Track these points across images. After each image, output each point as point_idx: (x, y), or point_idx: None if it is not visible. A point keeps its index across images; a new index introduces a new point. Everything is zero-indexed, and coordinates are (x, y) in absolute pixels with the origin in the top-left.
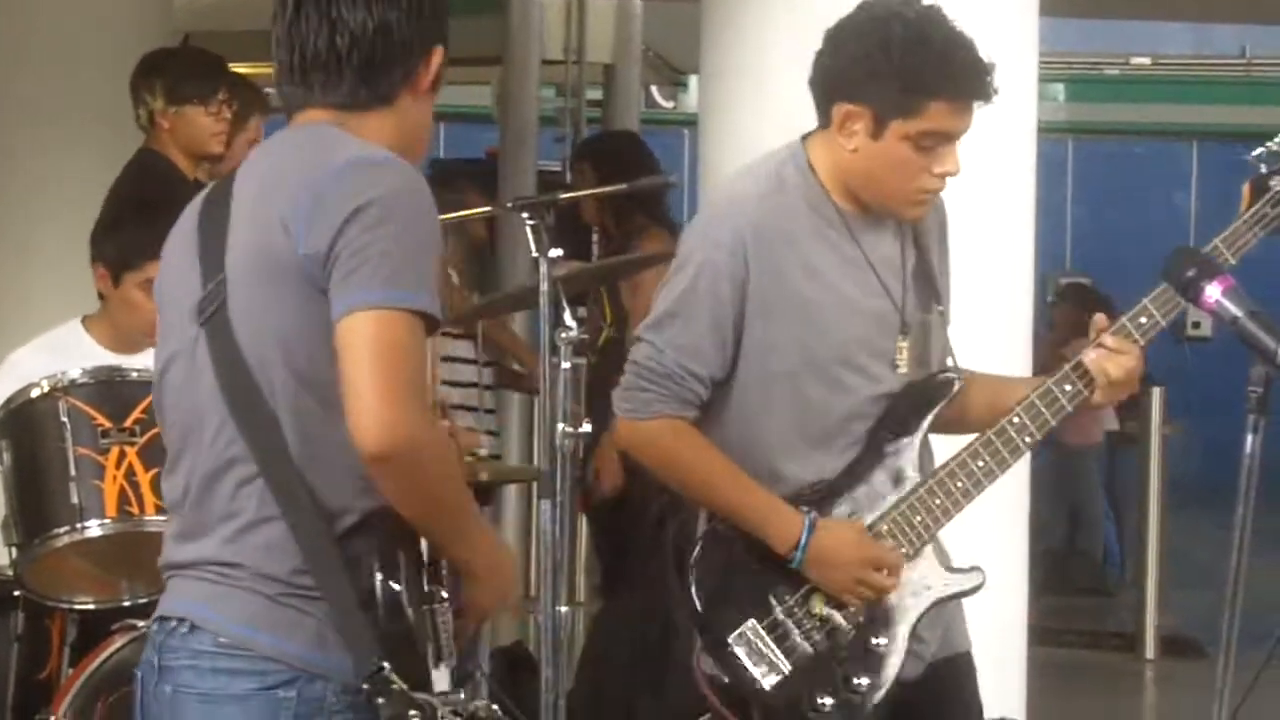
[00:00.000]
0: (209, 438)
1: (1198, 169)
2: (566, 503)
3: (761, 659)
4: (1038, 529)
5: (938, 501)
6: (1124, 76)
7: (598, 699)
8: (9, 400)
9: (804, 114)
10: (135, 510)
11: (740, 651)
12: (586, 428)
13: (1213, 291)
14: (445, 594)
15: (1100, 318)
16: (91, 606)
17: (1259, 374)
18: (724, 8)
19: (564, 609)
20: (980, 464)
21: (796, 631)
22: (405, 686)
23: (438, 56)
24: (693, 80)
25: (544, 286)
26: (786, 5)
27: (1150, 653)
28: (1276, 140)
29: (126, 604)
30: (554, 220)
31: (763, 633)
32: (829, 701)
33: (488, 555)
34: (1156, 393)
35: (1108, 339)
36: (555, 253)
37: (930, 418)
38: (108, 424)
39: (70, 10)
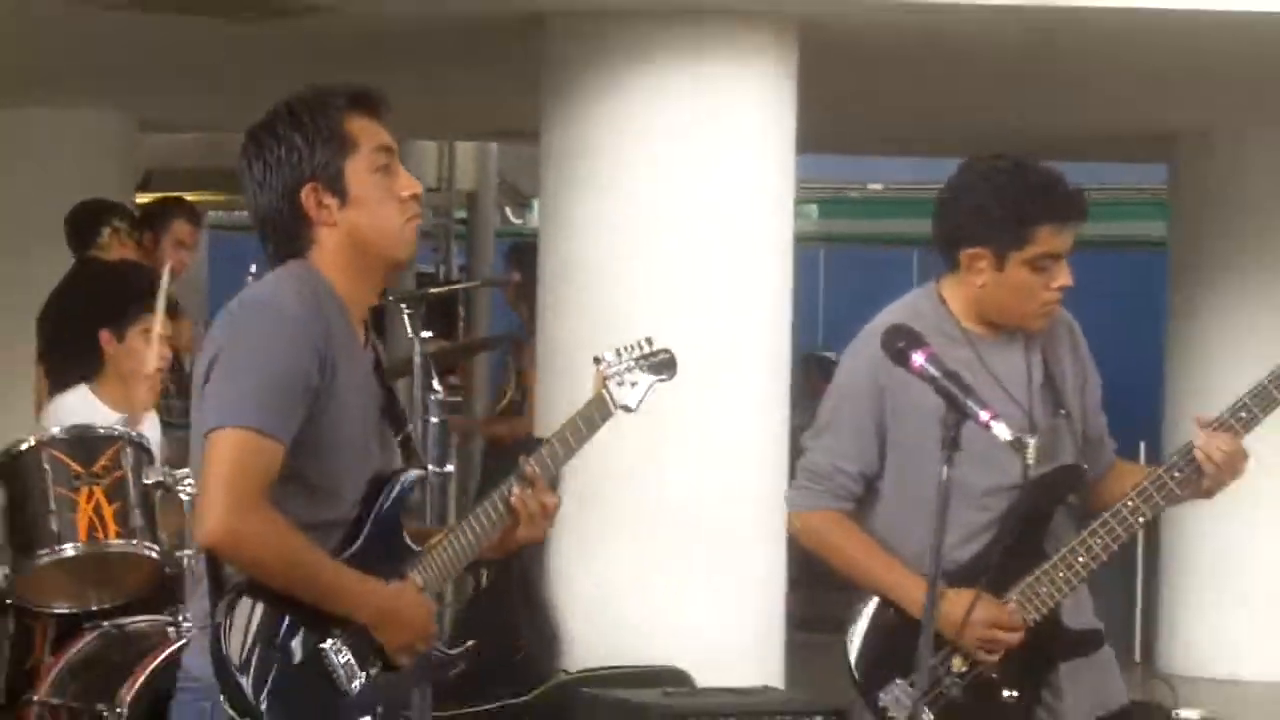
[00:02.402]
0: None
1: (917, 269)
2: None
3: (905, 711)
4: (794, 542)
5: (1061, 575)
6: (863, 198)
7: None
8: (5, 451)
9: (615, 224)
10: (101, 536)
11: (889, 706)
12: (449, 468)
13: (918, 358)
14: (334, 637)
15: (1202, 415)
16: (67, 611)
17: (950, 419)
18: (559, 148)
19: None
20: (1098, 541)
21: (939, 685)
22: (231, 710)
23: (308, 195)
24: (535, 203)
25: (417, 360)
26: (613, 150)
27: None
28: None
29: (95, 609)
30: (424, 310)
31: (908, 688)
32: None
33: (369, 607)
34: None
35: (1218, 436)
36: (426, 334)
37: (1058, 503)
38: (79, 469)
39: (48, 138)
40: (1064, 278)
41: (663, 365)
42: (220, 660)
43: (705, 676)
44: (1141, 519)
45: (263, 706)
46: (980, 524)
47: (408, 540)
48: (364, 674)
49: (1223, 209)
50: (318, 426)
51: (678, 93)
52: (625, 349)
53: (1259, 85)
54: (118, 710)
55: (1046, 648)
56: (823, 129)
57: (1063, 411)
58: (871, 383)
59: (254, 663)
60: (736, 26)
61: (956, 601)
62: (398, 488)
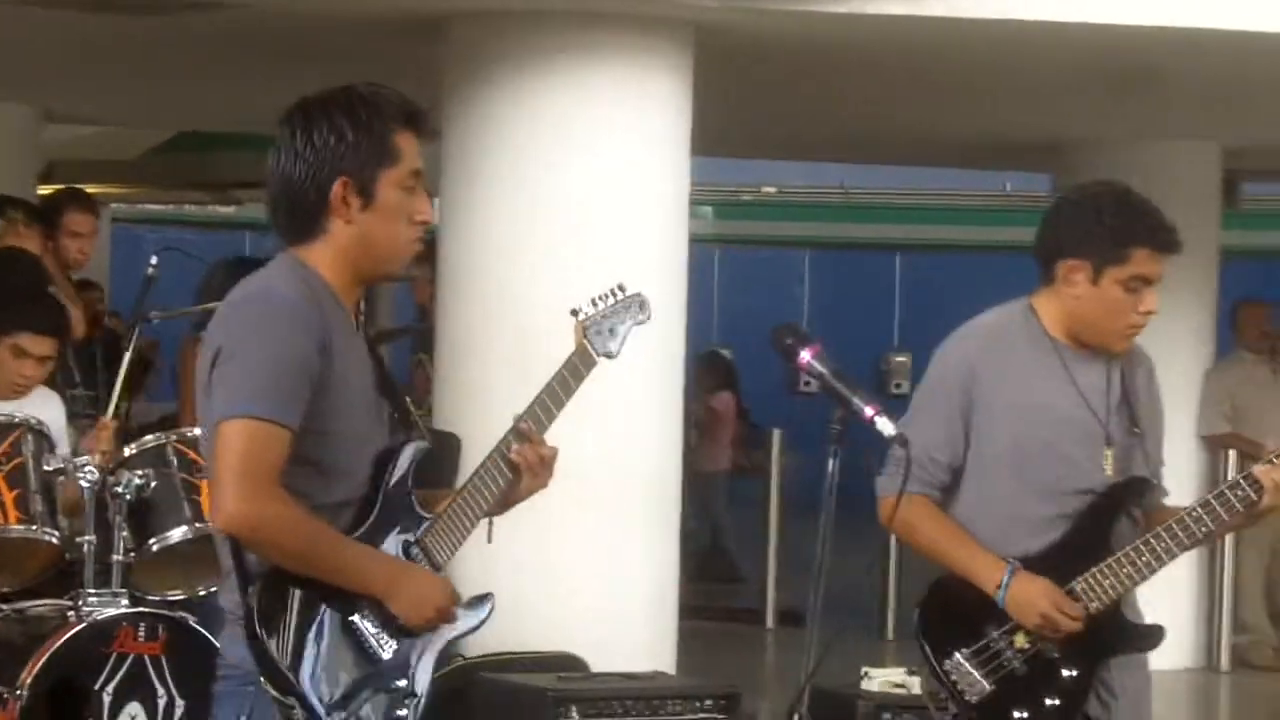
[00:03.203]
0: None
1: (808, 271)
2: None
3: (968, 679)
4: (686, 535)
5: (1125, 570)
6: (756, 201)
7: None
8: None
9: (512, 221)
10: (1, 521)
11: (953, 672)
12: None
13: (806, 354)
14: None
15: (1271, 441)
16: None
17: (838, 416)
18: (459, 147)
19: None
20: (1162, 545)
21: (1001, 659)
22: (272, 690)
23: (339, 188)
24: (435, 200)
25: None
26: (511, 149)
27: (770, 623)
28: None
29: None
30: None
31: (973, 657)
32: (1025, 715)
33: (381, 580)
34: (776, 433)
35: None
36: None
37: (1127, 509)
38: None
39: None
40: (1152, 303)
41: (638, 308)
42: (257, 645)
43: (600, 662)
44: (1204, 529)
45: (305, 685)
46: (1051, 518)
47: (419, 509)
48: (395, 641)
49: None
50: (322, 410)
51: (575, 94)
52: (600, 298)
53: (1140, 96)
54: (18, 693)
55: (1107, 636)
56: (719, 133)
57: (1137, 430)
58: (963, 380)
59: (290, 643)
60: (632, 31)
61: (1025, 583)
62: (405, 461)
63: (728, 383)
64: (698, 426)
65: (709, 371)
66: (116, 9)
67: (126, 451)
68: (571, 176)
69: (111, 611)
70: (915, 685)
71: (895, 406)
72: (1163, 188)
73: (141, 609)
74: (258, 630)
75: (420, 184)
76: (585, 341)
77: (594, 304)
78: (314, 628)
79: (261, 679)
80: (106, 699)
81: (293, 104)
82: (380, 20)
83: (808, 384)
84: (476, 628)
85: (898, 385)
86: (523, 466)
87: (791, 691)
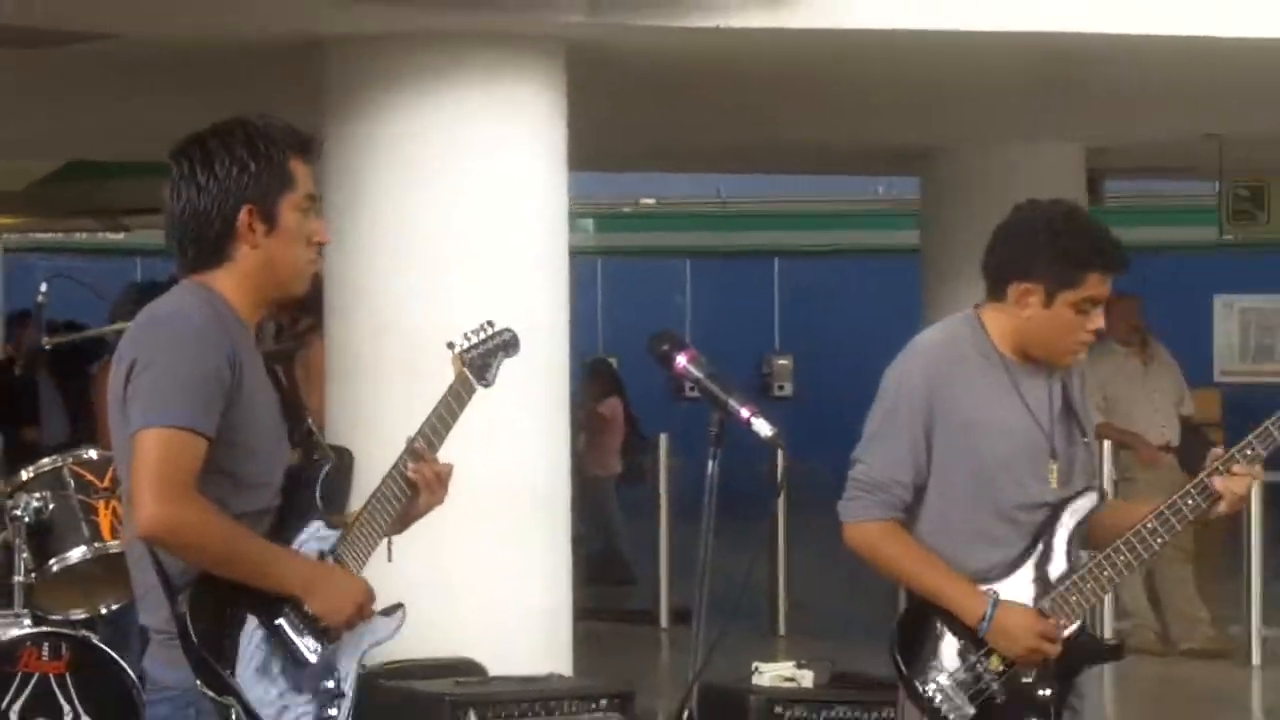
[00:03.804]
0: None
1: (690, 279)
2: None
3: (950, 704)
4: (579, 539)
5: (1089, 586)
6: (636, 212)
7: None
8: None
9: (395, 238)
10: None
11: (936, 697)
12: None
13: (681, 359)
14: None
15: (1216, 451)
16: None
17: (716, 418)
18: (339, 166)
19: None
20: (1121, 559)
21: (980, 682)
22: (208, 691)
23: (245, 215)
24: None
25: None
26: (391, 167)
27: (664, 622)
28: None
29: None
30: None
31: (954, 683)
32: None
33: (300, 578)
34: (663, 438)
35: (1238, 467)
36: None
37: (1076, 524)
38: None
39: None
40: (1100, 322)
41: (507, 344)
42: (192, 649)
43: (498, 666)
44: (1160, 541)
45: (240, 684)
46: (1008, 533)
47: (328, 524)
48: (319, 645)
49: (969, 218)
50: (234, 423)
51: (452, 113)
52: (473, 333)
53: (1000, 104)
54: None
55: (1076, 653)
56: (596, 148)
57: (1085, 439)
58: (923, 399)
59: (223, 646)
60: (505, 50)
61: (1010, 614)
62: (317, 478)
63: (615, 390)
64: (585, 431)
65: (596, 379)
66: (5, 44)
67: (24, 475)
68: (451, 195)
69: (15, 632)
70: (806, 679)
71: (778, 408)
72: (1030, 188)
73: (44, 628)
74: (192, 637)
75: (315, 206)
76: (465, 371)
77: (467, 337)
78: (243, 633)
79: (198, 683)
80: (14, 718)
81: (186, 139)
82: (259, 46)
83: (692, 390)
84: (391, 635)
85: (780, 387)
86: (420, 484)
87: (684, 689)
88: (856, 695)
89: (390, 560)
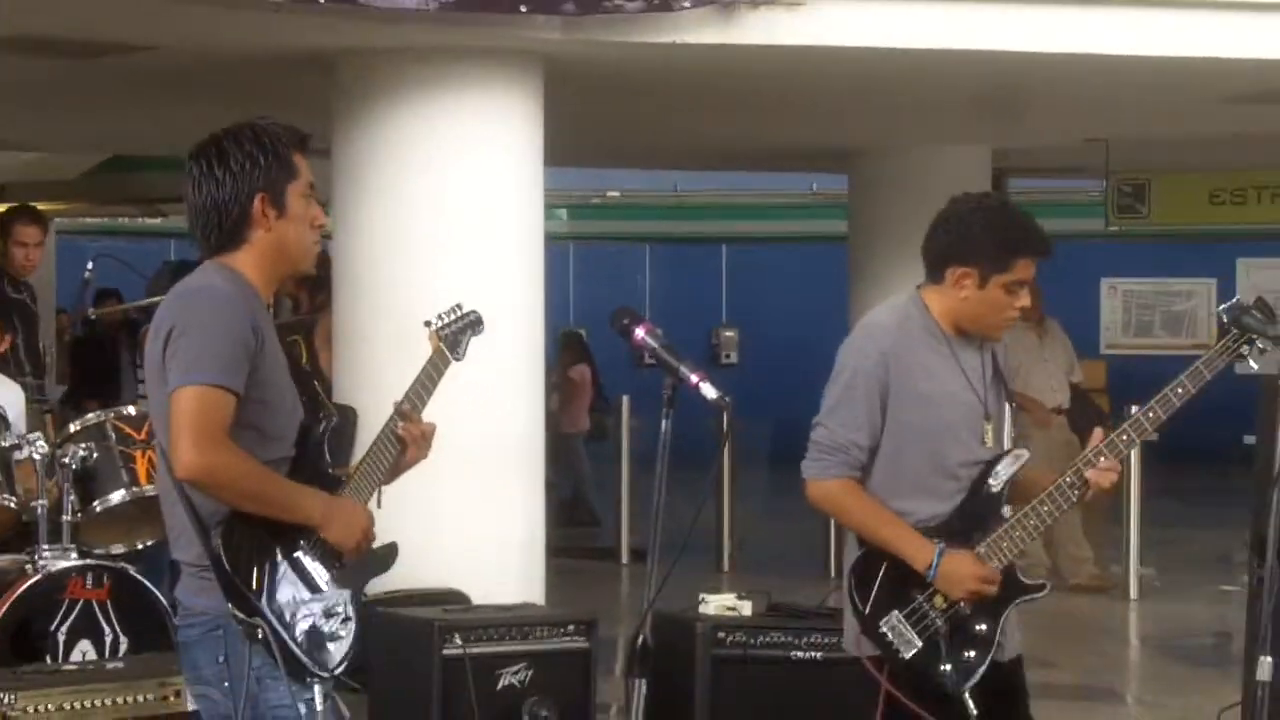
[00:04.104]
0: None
1: (649, 262)
2: None
3: (901, 638)
4: (551, 487)
5: (1018, 534)
6: (603, 204)
7: None
8: None
9: (395, 227)
10: None
11: (888, 633)
12: None
13: (640, 332)
14: (302, 548)
15: (1099, 431)
16: None
17: (669, 383)
18: (348, 163)
19: None
20: (1046, 509)
21: (927, 619)
22: (239, 613)
23: (259, 203)
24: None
25: None
26: (392, 165)
27: (624, 559)
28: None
29: None
30: None
31: (904, 619)
32: (948, 668)
33: (318, 510)
34: (625, 400)
35: (1103, 462)
36: None
37: (1010, 477)
38: None
39: None
40: (1026, 300)
41: (474, 324)
42: (225, 578)
43: (480, 596)
44: (1076, 493)
45: (265, 607)
46: (951, 488)
47: (332, 472)
48: (330, 573)
49: (890, 211)
50: (258, 382)
51: (445, 117)
52: (444, 314)
53: (919, 112)
54: None
55: (1006, 591)
56: (569, 147)
57: (1011, 403)
58: (879, 371)
59: (251, 574)
60: (491, 63)
61: (953, 561)
62: (324, 432)
63: (584, 358)
64: (558, 392)
65: (567, 348)
66: (52, 54)
67: (72, 428)
68: (444, 188)
69: (63, 564)
70: (745, 609)
71: (725, 374)
72: (942, 185)
73: (89, 561)
74: (225, 566)
75: (314, 195)
76: (441, 346)
77: (441, 317)
78: (268, 562)
79: (229, 606)
80: (61, 638)
81: (201, 141)
82: (276, 58)
83: (650, 358)
84: (386, 568)
85: (727, 356)
86: (407, 440)
87: (641, 617)
88: (789, 623)
89: (379, 507)
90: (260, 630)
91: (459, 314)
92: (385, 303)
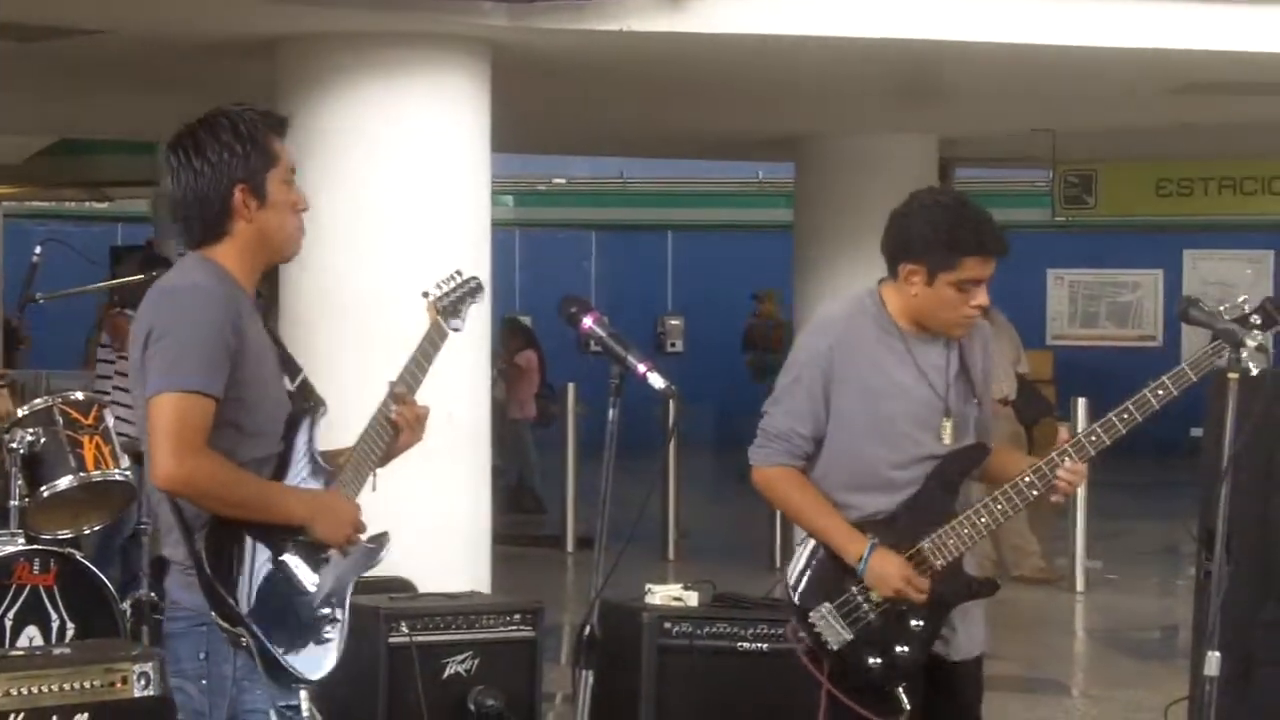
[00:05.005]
0: None
1: (595, 249)
2: None
3: (830, 629)
4: (497, 474)
5: (966, 531)
6: (549, 190)
7: None
8: None
9: (341, 214)
10: None
11: (817, 623)
12: None
13: (588, 320)
14: (288, 551)
15: (1065, 430)
16: None
17: (616, 371)
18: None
19: None
20: (999, 507)
21: (859, 612)
22: (222, 622)
23: (239, 194)
24: None
25: None
26: (338, 152)
27: (570, 547)
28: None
29: None
30: None
31: (835, 611)
32: (879, 661)
33: (303, 509)
34: (571, 388)
35: (1069, 463)
36: None
37: (967, 473)
38: None
39: None
40: (982, 299)
41: (475, 290)
42: (207, 584)
43: (426, 584)
44: (1035, 492)
45: (248, 615)
46: (899, 481)
47: (323, 462)
48: (317, 574)
49: (836, 199)
50: (239, 380)
51: (391, 104)
52: (443, 282)
53: (865, 100)
54: None
55: (950, 590)
56: (516, 133)
57: (975, 401)
58: (823, 365)
59: (234, 580)
60: (438, 48)
61: (883, 559)
62: (313, 423)
63: (530, 344)
64: (504, 380)
65: (514, 335)
66: (6, 36)
67: (20, 412)
68: (391, 174)
69: (10, 549)
70: (691, 599)
71: (671, 362)
72: (889, 173)
73: (36, 546)
74: (207, 572)
75: (294, 177)
76: (438, 318)
77: (439, 286)
78: (252, 566)
79: (212, 614)
80: (8, 624)
81: (178, 132)
82: (219, 42)
83: (597, 346)
84: (377, 562)
85: (673, 344)
86: (402, 424)
87: (587, 606)
88: (734, 614)
89: (374, 490)
90: (244, 639)
91: (458, 281)
92: (332, 290)
